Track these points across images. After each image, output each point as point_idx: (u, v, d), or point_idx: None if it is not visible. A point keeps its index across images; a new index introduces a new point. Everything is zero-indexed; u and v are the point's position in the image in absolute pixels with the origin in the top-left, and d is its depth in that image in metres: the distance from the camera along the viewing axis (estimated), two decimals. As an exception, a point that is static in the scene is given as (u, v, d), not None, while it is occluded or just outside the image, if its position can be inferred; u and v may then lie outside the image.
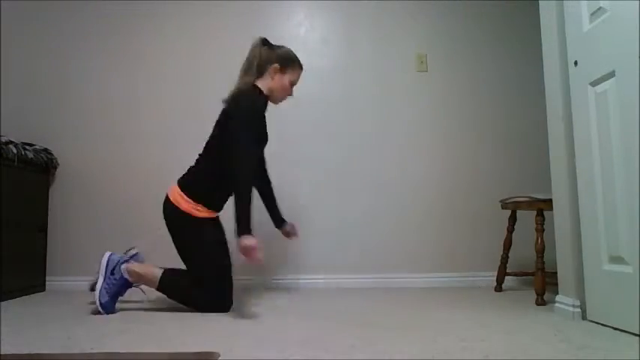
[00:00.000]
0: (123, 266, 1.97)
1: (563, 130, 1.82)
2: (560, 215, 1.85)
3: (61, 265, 2.76)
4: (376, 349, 1.32)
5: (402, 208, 2.85)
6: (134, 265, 1.98)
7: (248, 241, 1.74)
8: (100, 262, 1.97)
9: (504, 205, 2.42)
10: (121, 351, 1.33)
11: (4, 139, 2.43)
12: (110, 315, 1.88)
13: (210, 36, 2.97)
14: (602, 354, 1.25)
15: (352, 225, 2.81)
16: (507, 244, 2.47)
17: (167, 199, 2.04)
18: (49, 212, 2.81)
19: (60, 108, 2.90)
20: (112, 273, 1.95)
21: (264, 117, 2.13)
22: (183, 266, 2.04)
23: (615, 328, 1.54)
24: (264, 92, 2.07)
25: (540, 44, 1.98)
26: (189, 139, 2.91)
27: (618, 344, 1.36)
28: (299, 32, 2.99)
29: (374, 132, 2.91)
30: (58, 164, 2.84)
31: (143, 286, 2.04)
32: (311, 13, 3.00)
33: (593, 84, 1.67)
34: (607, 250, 1.60)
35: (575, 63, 1.75)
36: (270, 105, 2.98)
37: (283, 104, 2.93)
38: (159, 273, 1.98)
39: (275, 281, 2.78)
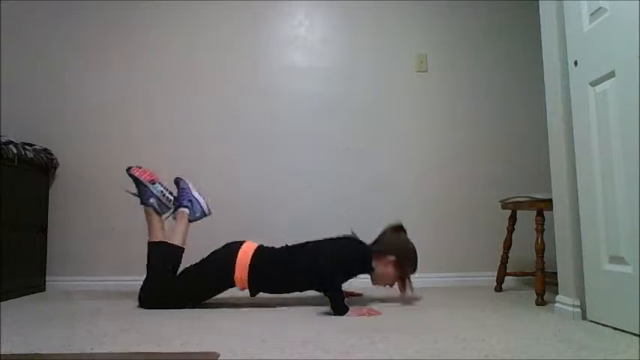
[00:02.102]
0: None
1: (563, 130, 1.82)
2: (560, 215, 1.85)
3: (61, 265, 2.76)
4: (376, 349, 1.32)
5: (402, 208, 2.84)
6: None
7: (360, 311, 1.85)
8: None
9: (504, 205, 2.42)
10: (121, 351, 1.33)
11: (4, 139, 2.43)
12: (110, 315, 1.88)
13: (210, 36, 2.97)
14: (602, 354, 1.25)
15: (352, 225, 2.80)
16: (507, 244, 2.47)
17: (237, 248, 2.05)
18: (49, 212, 2.81)
19: (60, 108, 2.90)
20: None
21: (352, 274, 2.13)
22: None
23: (615, 328, 1.54)
24: (372, 266, 2.08)
25: (540, 44, 1.98)
26: (189, 138, 2.92)
27: (618, 344, 1.36)
28: (299, 32, 2.99)
29: (374, 132, 2.91)
30: (58, 164, 2.84)
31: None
32: (311, 13, 3.00)
33: (593, 84, 1.66)
34: (607, 250, 1.60)
35: (575, 63, 1.75)
36: (266, 101, 2.98)
37: (283, 103, 2.94)
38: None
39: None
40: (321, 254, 1.99)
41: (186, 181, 2.31)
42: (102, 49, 2.95)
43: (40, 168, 2.69)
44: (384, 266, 2.08)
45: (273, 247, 2.12)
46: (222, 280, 2.04)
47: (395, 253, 2.07)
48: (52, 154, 2.78)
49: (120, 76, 2.94)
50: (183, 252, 2.14)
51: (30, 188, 2.63)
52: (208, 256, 2.10)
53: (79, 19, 2.96)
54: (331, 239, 2.13)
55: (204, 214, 2.27)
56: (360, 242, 2.12)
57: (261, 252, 2.06)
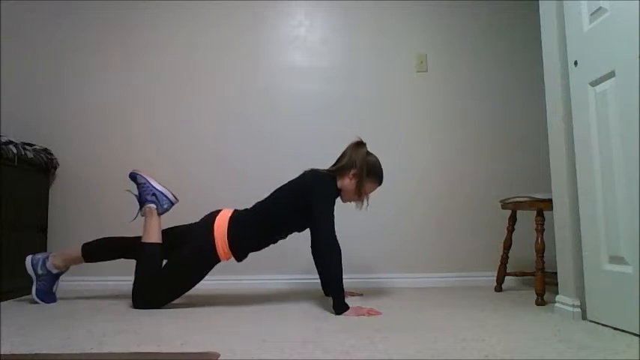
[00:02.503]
0: (48, 264, 2.12)
1: (563, 130, 1.82)
2: (560, 215, 1.85)
3: (61, 265, 2.76)
4: (376, 349, 1.32)
5: (402, 208, 2.85)
6: (53, 257, 2.15)
7: (360, 311, 1.84)
8: (26, 267, 2.13)
9: (504, 205, 2.42)
10: (121, 351, 1.33)
11: (4, 139, 2.43)
12: (110, 315, 1.88)
13: (210, 36, 2.97)
14: (602, 354, 1.25)
15: (351, 225, 2.81)
16: (507, 244, 2.47)
17: (212, 219, 2.06)
18: (49, 212, 2.81)
19: (60, 108, 2.90)
20: (41, 274, 2.14)
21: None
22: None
23: (615, 328, 1.54)
24: (338, 187, 2.13)
25: (540, 44, 1.98)
26: (189, 138, 2.92)
27: (618, 344, 1.36)
28: (299, 32, 2.99)
29: (374, 132, 2.90)
30: (58, 164, 2.84)
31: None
32: (311, 13, 3.00)
33: (593, 84, 1.66)
34: (607, 250, 1.60)
35: (575, 63, 1.75)
36: (267, 101, 2.99)
37: (283, 103, 2.94)
38: (76, 249, 2.16)
39: (274, 282, 2.78)
40: (296, 201, 2.04)
41: (143, 174, 2.23)
42: (102, 49, 2.95)
43: (40, 168, 2.69)
44: (349, 181, 2.11)
45: (245, 209, 2.13)
46: (206, 259, 2.02)
47: (358, 167, 2.09)
48: (52, 154, 2.79)
49: (120, 76, 2.94)
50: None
51: (30, 188, 2.63)
52: (185, 236, 2.07)
53: (79, 19, 2.96)
54: (297, 181, 2.13)
55: (172, 204, 2.23)
56: (326, 174, 2.13)
57: (234, 218, 2.06)
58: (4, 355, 1.28)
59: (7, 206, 2.40)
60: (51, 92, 2.91)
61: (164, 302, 2.04)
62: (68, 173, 2.86)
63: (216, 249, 2.01)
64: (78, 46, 2.95)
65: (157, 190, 2.20)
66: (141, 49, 2.96)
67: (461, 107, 2.93)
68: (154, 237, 2.11)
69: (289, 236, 2.30)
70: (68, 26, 2.96)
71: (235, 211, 2.12)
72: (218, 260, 2.05)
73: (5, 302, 2.24)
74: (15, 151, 2.45)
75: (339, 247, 1.95)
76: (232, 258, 2.08)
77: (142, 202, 2.20)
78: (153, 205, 2.18)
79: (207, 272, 2.07)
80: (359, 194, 2.13)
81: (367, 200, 2.18)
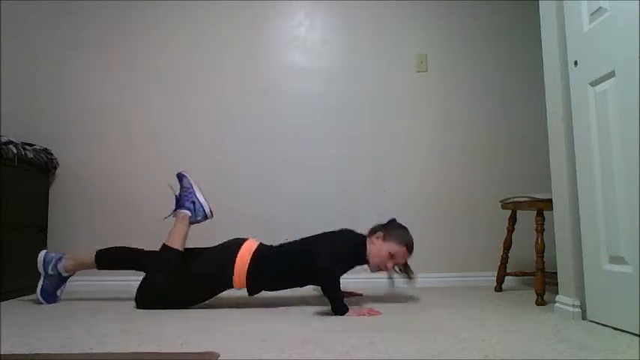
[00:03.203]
0: (59, 266, 2.12)
1: (563, 130, 1.82)
2: (560, 215, 1.85)
3: (61, 265, 2.76)
4: (376, 349, 1.32)
5: (402, 208, 2.84)
6: (67, 260, 2.15)
7: (360, 311, 1.85)
8: (37, 262, 2.13)
9: (504, 205, 2.42)
10: (120, 351, 1.33)
11: (4, 139, 2.43)
12: (110, 315, 1.88)
13: (210, 36, 2.97)
14: (602, 354, 1.25)
15: (351, 225, 2.80)
16: (507, 244, 2.47)
17: (237, 247, 2.05)
18: (49, 212, 2.81)
19: (60, 108, 2.90)
20: (50, 273, 2.14)
21: (349, 266, 2.12)
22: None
23: (615, 328, 1.54)
24: (367, 251, 2.08)
25: (540, 44, 1.98)
26: (189, 138, 2.92)
27: (618, 344, 1.36)
28: (299, 32, 2.99)
29: (374, 132, 2.91)
30: (58, 164, 2.84)
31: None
32: (311, 13, 3.00)
33: (593, 84, 1.66)
34: (607, 250, 1.60)
35: (575, 63, 1.75)
36: (267, 101, 2.98)
37: (283, 103, 2.94)
38: (92, 254, 2.15)
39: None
40: (317, 251, 1.98)
41: (190, 178, 2.24)
42: (102, 49, 2.95)
43: (40, 168, 2.69)
44: (374, 243, 2.08)
45: (271, 246, 2.12)
46: (221, 282, 2.04)
47: (384, 229, 2.08)
48: (52, 154, 2.78)
49: (120, 76, 2.94)
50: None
51: (30, 188, 2.63)
52: (206, 254, 2.09)
53: (79, 19, 2.96)
54: (326, 233, 2.13)
55: (205, 218, 2.22)
56: (355, 233, 2.13)
57: (259, 253, 2.05)
58: (4, 355, 1.28)
59: (7, 206, 2.40)
60: (51, 92, 2.91)
61: (165, 307, 2.02)
62: (68, 173, 2.86)
63: (233, 277, 2.00)
64: (78, 46, 2.95)
65: (198, 199, 2.19)
66: (141, 49, 2.96)
67: (461, 107, 2.93)
68: (177, 243, 2.10)
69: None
70: (68, 26, 2.96)
71: (261, 244, 2.10)
72: (231, 287, 2.04)
73: (5, 302, 2.24)
74: (15, 151, 2.45)
75: (335, 278, 1.91)
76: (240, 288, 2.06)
77: (179, 205, 2.20)
78: (188, 213, 2.17)
79: (217, 294, 2.08)
80: (385, 260, 2.05)
81: (400, 269, 2.13)
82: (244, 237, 2.14)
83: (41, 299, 2.13)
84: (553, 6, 1.87)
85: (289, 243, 2.14)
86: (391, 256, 2.05)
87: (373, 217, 2.55)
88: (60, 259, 2.15)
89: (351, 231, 2.14)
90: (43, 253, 2.17)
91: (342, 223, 2.47)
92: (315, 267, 1.93)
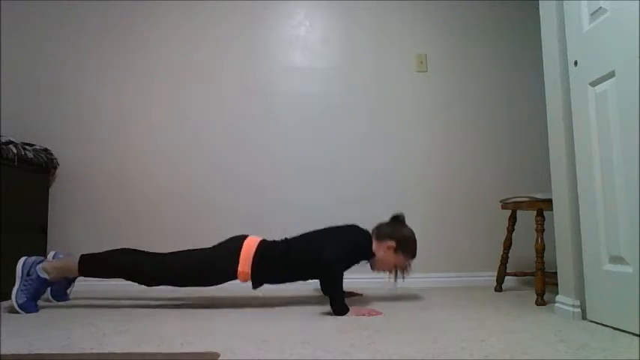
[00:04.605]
0: (38, 266, 2.01)
1: (563, 130, 1.82)
2: (560, 215, 1.85)
3: (61, 265, 2.76)
4: (376, 349, 1.32)
5: (402, 208, 2.83)
6: (49, 262, 2.05)
7: (360, 311, 1.85)
8: (17, 268, 2.01)
9: (504, 205, 2.42)
10: (121, 351, 1.33)
11: (4, 139, 2.43)
12: (110, 315, 1.88)
13: (209, 36, 2.97)
14: (601, 354, 1.25)
15: (352, 225, 2.81)
16: (507, 244, 2.47)
17: (240, 242, 2.06)
18: (49, 212, 2.81)
19: (60, 108, 2.90)
20: (29, 274, 1.99)
21: (354, 262, 2.13)
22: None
23: (615, 328, 1.54)
24: (372, 251, 2.11)
25: (540, 44, 1.98)
26: (189, 138, 2.92)
27: (618, 344, 1.36)
28: (299, 32, 2.99)
29: (374, 132, 2.91)
30: (58, 164, 2.84)
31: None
32: (311, 13, 3.00)
33: (593, 84, 1.66)
34: (607, 250, 1.60)
35: (575, 63, 1.75)
36: (266, 101, 2.98)
37: (283, 104, 2.94)
38: (76, 259, 2.04)
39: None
40: (322, 246, 1.99)
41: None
42: (102, 49, 2.95)
43: (40, 168, 2.69)
44: (384, 252, 2.09)
45: (274, 241, 2.13)
46: (225, 271, 2.03)
47: (395, 239, 2.08)
48: (52, 154, 2.78)
49: (120, 76, 2.94)
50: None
51: (30, 188, 2.63)
52: (209, 249, 2.09)
53: (79, 19, 2.96)
54: (332, 228, 2.14)
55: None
56: (361, 229, 2.15)
57: (263, 246, 2.06)
58: (4, 355, 1.28)
59: (7, 206, 2.40)
60: (51, 92, 2.91)
61: (165, 282, 2.04)
62: (68, 173, 2.86)
63: (237, 268, 2.00)
64: (78, 46, 2.95)
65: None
66: (141, 49, 2.96)
67: (461, 107, 2.93)
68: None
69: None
70: (68, 26, 2.96)
71: (264, 239, 2.11)
72: (235, 278, 2.04)
73: (5, 302, 2.24)
74: (15, 151, 2.45)
75: (339, 273, 1.91)
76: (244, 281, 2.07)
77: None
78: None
79: (219, 283, 2.08)
80: (391, 267, 2.14)
81: (399, 273, 2.16)
82: (244, 234, 2.14)
83: (52, 299, 2.17)
84: (553, 6, 1.87)
85: (293, 237, 2.15)
86: (396, 265, 2.13)
87: (373, 217, 2.56)
88: (41, 261, 2.05)
89: (356, 227, 2.16)
90: (52, 253, 2.18)
91: (340, 221, 2.48)
92: (319, 262, 1.93)
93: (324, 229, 2.15)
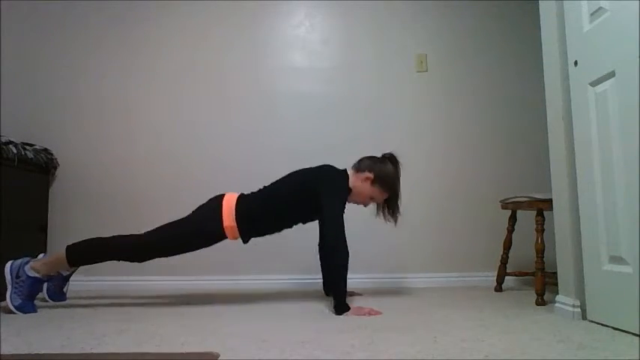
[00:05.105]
0: (26, 267, 1.99)
1: (563, 130, 1.82)
2: (560, 215, 1.85)
3: (61, 265, 2.76)
4: (376, 349, 1.32)
5: (402, 208, 2.84)
6: (36, 261, 2.02)
7: (360, 311, 1.85)
8: (4, 273, 1.98)
9: (504, 205, 2.42)
10: (121, 351, 1.33)
11: (4, 139, 2.43)
12: (110, 315, 1.88)
13: (210, 36, 2.97)
14: (601, 354, 1.25)
15: (351, 225, 2.80)
16: (507, 244, 2.47)
17: (220, 199, 2.06)
18: (49, 212, 2.81)
19: (60, 108, 2.90)
20: (18, 276, 1.97)
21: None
22: None
23: (615, 328, 1.54)
24: (349, 184, 2.12)
25: (540, 44, 1.98)
26: (189, 138, 2.92)
27: (618, 344, 1.36)
28: (299, 32, 2.99)
29: (374, 132, 2.91)
30: (58, 164, 2.84)
31: None
32: (311, 13, 3.00)
33: (593, 84, 1.66)
34: (607, 250, 1.60)
35: (575, 63, 1.75)
36: (266, 101, 2.99)
37: (282, 104, 2.94)
38: (63, 251, 2.02)
39: (274, 282, 2.78)
40: (305, 179, 2.03)
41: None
42: (102, 49, 2.95)
43: (40, 168, 2.69)
44: (361, 182, 2.10)
45: (252, 192, 2.13)
46: (212, 231, 2.03)
47: (374, 172, 2.09)
48: (52, 154, 2.78)
49: (120, 76, 2.94)
50: None
51: (30, 188, 2.63)
52: (192, 212, 2.09)
53: (80, 18, 2.96)
54: (309, 171, 2.13)
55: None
56: (336, 168, 2.15)
57: (243, 198, 2.07)
58: (4, 355, 1.28)
59: (7, 206, 2.40)
60: (51, 92, 2.91)
61: (157, 254, 2.04)
62: (68, 173, 2.86)
63: (223, 225, 2.00)
64: (78, 46, 2.95)
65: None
66: (141, 49, 2.96)
67: (461, 107, 2.93)
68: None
69: (290, 236, 2.30)
70: (68, 26, 2.96)
71: (242, 194, 2.11)
72: (223, 236, 2.04)
73: (5, 302, 2.24)
74: (15, 151, 2.45)
75: (346, 248, 1.93)
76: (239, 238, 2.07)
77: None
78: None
79: (208, 244, 2.07)
80: (366, 200, 2.14)
81: (387, 213, 2.18)
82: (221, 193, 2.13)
83: (48, 298, 2.15)
84: (553, 6, 1.87)
85: (272, 182, 2.15)
86: (371, 198, 2.13)
87: (373, 215, 2.56)
88: (27, 262, 2.02)
89: (333, 167, 2.15)
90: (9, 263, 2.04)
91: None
92: (307, 197, 1.97)
93: (301, 171, 2.15)
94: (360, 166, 2.14)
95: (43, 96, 2.91)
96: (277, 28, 2.98)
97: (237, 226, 2.02)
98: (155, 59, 2.95)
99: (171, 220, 2.08)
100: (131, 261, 2.05)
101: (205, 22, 2.98)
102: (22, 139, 2.65)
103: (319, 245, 2.29)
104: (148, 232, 2.04)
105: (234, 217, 2.02)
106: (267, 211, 2.07)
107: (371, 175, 2.09)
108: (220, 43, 2.96)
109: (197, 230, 2.04)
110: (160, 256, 2.06)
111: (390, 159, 2.15)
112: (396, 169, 2.13)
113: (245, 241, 2.10)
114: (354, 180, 2.13)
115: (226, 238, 2.06)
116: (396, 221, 2.17)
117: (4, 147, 2.38)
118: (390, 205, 2.17)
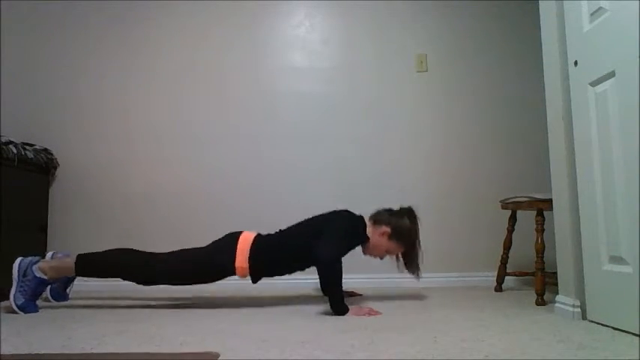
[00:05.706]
0: (34, 267, 1.99)
1: (563, 130, 1.82)
2: (560, 215, 1.85)
3: (61, 265, 2.76)
4: (376, 349, 1.32)
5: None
6: (45, 262, 2.02)
7: (360, 311, 1.85)
8: (12, 269, 1.98)
9: (504, 205, 2.42)
10: (121, 351, 1.33)
11: (4, 139, 2.43)
12: (110, 315, 1.88)
13: (210, 36, 2.97)
14: (601, 354, 1.25)
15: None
16: (507, 244, 2.47)
17: (237, 237, 2.07)
18: (49, 212, 2.81)
19: (60, 108, 2.90)
20: (25, 275, 1.97)
21: (351, 248, 2.12)
22: None
23: (615, 328, 1.54)
24: (367, 234, 2.11)
25: (540, 44, 1.98)
26: (189, 138, 2.92)
27: (618, 344, 1.36)
28: (299, 32, 2.99)
29: (374, 132, 2.91)
30: (58, 164, 2.84)
31: None
32: (311, 13, 3.00)
33: (593, 84, 1.66)
34: (607, 250, 1.60)
35: (575, 63, 1.75)
36: (267, 101, 2.98)
37: (283, 104, 2.94)
38: (73, 259, 2.03)
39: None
40: (317, 235, 1.99)
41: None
42: (102, 49, 2.95)
43: (40, 168, 2.69)
44: (378, 236, 2.09)
45: (269, 234, 2.14)
46: (223, 267, 2.03)
47: (391, 226, 2.08)
48: (52, 154, 2.78)
49: (120, 76, 2.94)
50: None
51: (30, 188, 2.63)
52: (208, 245, 2.10)
53: (79, 18, 2.96)
54: (323, 216, 2.13)
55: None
56: (353, 214, 2.14)
57: (259, 240, 2.07)
58: (4, 355, 1.28)
59: (7, 206, 2.40)
60: (51, 92, 2.91)
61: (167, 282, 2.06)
62: (68, 173, 2.86)
63: (235, 263, 2.01)
64: (78, 46, 2.95)
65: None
66: (141, 50, 2.96)
67: (461, 107, 2.93)
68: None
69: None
70: (68, 26, 2.96)
71: (258, 234, 2.11)
72: (233, 273, 2.04)
73: (5, 302, 2.24)
74: (15, 151, 2.45)
75: (340, 271, 1.89)
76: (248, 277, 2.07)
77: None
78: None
79: (218, 278, 2.08)
80: (382, 253, 2.13)
81: (417, 267, 2.14)
82: (239, 230, 2.14)
83: (51, 298, 2.18)
84: (553, 6, 1.87)
85: (288, 227, 2.16)
86: (387, 251, 2.13)
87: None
88: (37, 262, 2.02)
89: (348, 212, 2.14)
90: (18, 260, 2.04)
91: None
92: (315, 255, 1.93)
93: (317, 216, 2.14)
94: (377, 218, 2.13)
95: (43, 96, 2.91)
96: (277, 28, 2.98)
97: (249, 267, 2.02)
98: (155, 59, 2.95)
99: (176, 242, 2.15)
100: (137, 283, 2.06)
101: (205, 22, 2.98)
102: (22, 139, 2.65)
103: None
104: (160, 262, 2.03)
105: (247, 257, 2.01)
106: (280, 256, 2.07)
107: (388, 230, 2.08)
108: (220, 43, 2.96)
109: (208, 263, 2.04)
110: (166, 283, 2.06)
111: (408, 213, 2.13)
112: (413, 224, 2.11)
113: (254, 282, 2.09)
114: (371, 232, 2.11)
115: (235, 275, 2.05)
116: (417, 276, 2.13)
117: (4, 147, 2.38)
118: (407, 260, 2.13)
